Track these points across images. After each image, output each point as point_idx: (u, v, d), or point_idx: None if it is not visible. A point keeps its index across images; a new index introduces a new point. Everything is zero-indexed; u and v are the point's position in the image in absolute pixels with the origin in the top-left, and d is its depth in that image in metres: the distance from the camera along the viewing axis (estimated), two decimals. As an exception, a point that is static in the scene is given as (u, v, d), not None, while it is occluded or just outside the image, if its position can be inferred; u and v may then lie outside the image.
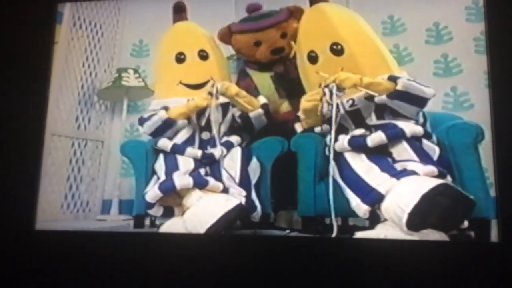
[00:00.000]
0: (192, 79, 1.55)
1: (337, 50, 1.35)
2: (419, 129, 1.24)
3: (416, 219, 1.07)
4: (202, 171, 1.42)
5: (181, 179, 1.34)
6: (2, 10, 1.59)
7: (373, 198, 1.15)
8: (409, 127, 1.24)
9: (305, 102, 1.35)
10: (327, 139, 1.33)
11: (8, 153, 1.45)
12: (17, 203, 1.40)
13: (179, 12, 1.62)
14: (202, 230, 1.25)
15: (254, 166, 1.43)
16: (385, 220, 1.14)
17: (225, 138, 1.50)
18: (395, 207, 1.10)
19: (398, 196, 1.10)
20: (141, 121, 1.53)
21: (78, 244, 1.33)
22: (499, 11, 1.26)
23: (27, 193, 1.44)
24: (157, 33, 1.66)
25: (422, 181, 1.11)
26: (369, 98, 1.29)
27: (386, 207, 1.13)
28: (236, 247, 1.25)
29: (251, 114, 1.47)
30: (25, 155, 1.48)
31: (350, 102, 1.32)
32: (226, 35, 1.59)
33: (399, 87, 1.23)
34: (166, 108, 1.51)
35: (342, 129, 1.32)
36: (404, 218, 1.07)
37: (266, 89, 1.59)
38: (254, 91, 1.57)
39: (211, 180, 1.37)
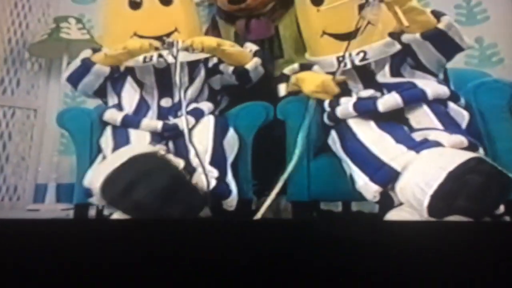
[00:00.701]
0: (150, 29, 1.30)
1: None
2: (444, 90, 1.09)
3: (441, 203, 0.88)
4: (163, 147, 1.18)
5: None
6: None
7: (385, 175, 0.97)
8: (432, 87, 1.09)
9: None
10: (325, 103, 1.15)
11: None
12: None
13: None
14: (101, 178, 0.97)
15: (231, 140, 1.22)
16: (400, 204, 0.97)
17: (193, 105, 1.28)
18: (413, 188, 0.92)
19: (417, 173, 0.93)
20: None
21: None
22: None
23: None
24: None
25: (448, 154, 0.94)
26: (395, 36, 1.10)
27: (402, 188, 0.95)
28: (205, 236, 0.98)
29: (248, 67, 1.26)
30: None
31: (361, 55, 1.14)
32: None
33: (441, 25, 1.06)
34: (97, 50, 1.29)
35: (345, 91, 1.15)
36: (426, 201, 0.88)
37: None
38: None
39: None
